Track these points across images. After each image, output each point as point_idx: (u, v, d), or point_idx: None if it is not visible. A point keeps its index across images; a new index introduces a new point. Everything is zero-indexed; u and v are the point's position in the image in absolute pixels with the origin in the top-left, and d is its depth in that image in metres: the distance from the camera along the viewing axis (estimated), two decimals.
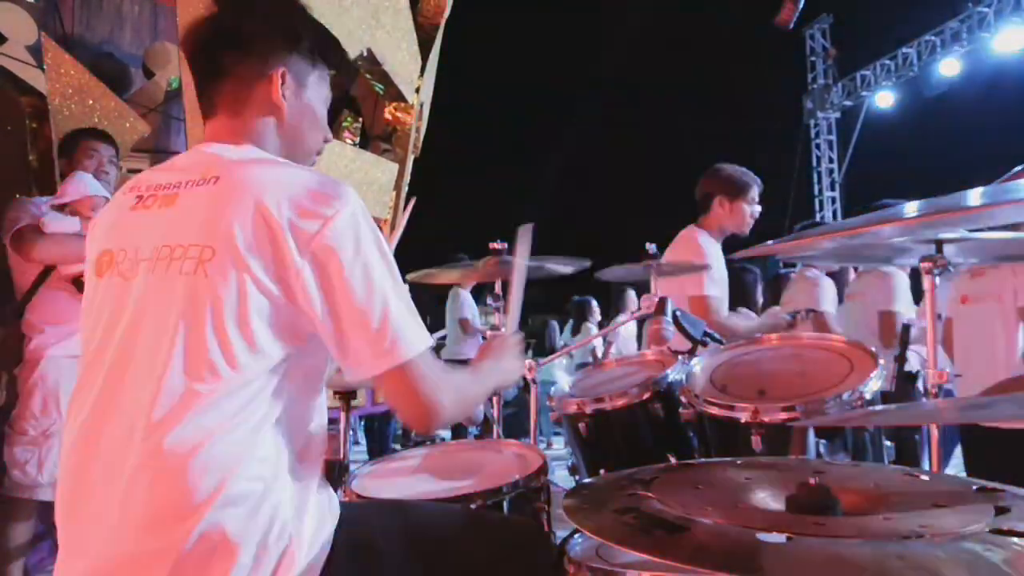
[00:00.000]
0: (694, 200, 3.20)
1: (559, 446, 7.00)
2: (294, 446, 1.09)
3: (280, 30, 1.24)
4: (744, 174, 3.10)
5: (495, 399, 2.40)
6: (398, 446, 6.54)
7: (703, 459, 1.77)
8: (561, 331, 8.56)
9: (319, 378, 1.16)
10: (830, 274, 4.06)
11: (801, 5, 10.26)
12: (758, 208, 3.12)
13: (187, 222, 1.07)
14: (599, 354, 6.65)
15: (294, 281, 1.04)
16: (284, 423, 1.07)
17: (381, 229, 4.89)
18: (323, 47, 1.29)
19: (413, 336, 1.08)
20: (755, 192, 3.10)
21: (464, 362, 6.66)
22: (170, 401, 1.00)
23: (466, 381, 1.26)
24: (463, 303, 6.42)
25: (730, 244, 3.19)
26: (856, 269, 3.94)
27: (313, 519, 1.07)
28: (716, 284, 2.94)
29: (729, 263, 3.15)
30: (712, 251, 3.03)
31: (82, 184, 2.66)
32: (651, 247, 2.53)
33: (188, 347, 1.01)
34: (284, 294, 1.04)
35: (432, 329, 7.23)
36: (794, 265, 4.62)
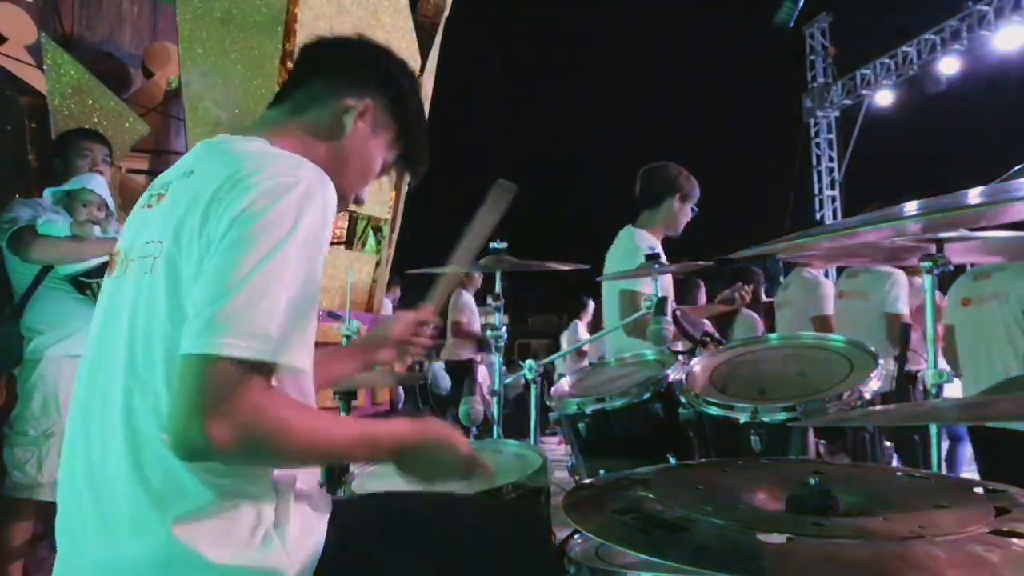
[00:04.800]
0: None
1: (551, 445, 6.98)
2: None
3: (394, 81, 1.25)
4: (693, 179, 3.06)
5: (496, 399, 2.39)
6: None
7: (703, 459, 1.77)
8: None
9: (295, 380, 1.05)
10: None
11: (801, 4, 10.26)
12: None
13: (160, 219, 1.04)
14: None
15: None
16: None
17: (381, 229, 4.85)
18: (418, 132, 1.29)
19: (275, 343, 0.89)
20: (697, 198, 3.07)
21: (463, 363, 6.62)
22: (143, 408, 0.97)
23: (316, 435, 0.97)
24: (462, 305, 6.39)
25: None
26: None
27: (300, 524, 1.03)
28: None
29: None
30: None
31: (85, 178, 2.68)
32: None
33: (148, 350, 0.97)
34: None
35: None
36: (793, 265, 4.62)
